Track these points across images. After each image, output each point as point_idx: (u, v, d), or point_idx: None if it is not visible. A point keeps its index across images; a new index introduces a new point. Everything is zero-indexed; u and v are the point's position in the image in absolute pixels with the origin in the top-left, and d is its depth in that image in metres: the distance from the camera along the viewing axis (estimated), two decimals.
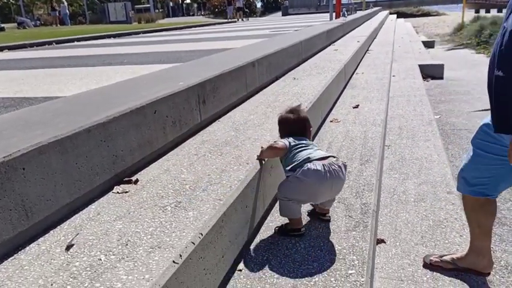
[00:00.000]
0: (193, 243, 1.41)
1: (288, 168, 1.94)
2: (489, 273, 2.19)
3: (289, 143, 2.00)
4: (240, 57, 3.83)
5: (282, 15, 33.96)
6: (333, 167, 1.87)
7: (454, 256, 2.24)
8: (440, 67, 8.79)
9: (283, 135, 2.13)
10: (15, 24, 28.57)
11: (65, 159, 1.58)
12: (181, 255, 1.33)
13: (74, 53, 8.18)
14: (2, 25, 24.72)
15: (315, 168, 1.84)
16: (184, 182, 1.88)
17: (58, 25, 28.52)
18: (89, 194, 1.72)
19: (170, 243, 1.40)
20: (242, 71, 3.33)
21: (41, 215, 1.49)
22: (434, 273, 2.16)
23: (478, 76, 8.29)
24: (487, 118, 1.98)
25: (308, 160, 1.89)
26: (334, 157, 1.95)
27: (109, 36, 14.18)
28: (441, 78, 8.55)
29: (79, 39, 12.91)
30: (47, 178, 1.51)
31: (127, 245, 1.39)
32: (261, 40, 6.84)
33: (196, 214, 1.58)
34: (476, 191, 2.06)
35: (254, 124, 2.73)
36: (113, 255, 1.34)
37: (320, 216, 2.13)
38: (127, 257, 1.32)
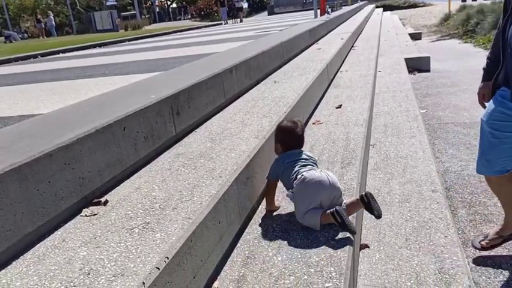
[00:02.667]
0: (157, 268, 1.36)
1: (291, 190, 2.10)
2: None
3: (277, 174, 2.20)
4: (218, 63, 3.78)
5: (268, 15, 33.96)
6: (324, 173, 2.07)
7: (496, 230, 2.55)
8: (427, 59, 8.79)
9: (281, 145, 2.26)
10: (3, 38, 28.37)
11: (24, 187, 1.53)
12: (144, 283, 1.28)
13: (57, 65, 8.10)
14: None
15: (308, 173, 2.04)
16: (155, 200, 1.83)
17: (45, 37, 28.36)
18: (54, 220, 1.66)
19: (134, 269, 1.35)
20: (219, 78, 3.28)
21: (1, 246, 1.43)
22: (418, 277, 2.12)
23: (464, 66, 8.29)
24: (498, 97, 2.23)
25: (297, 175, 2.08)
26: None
27: (94, 46, 14.09)
28: (428, 70, 8.55)
29: (64, 51, 12.81)
30: (6, 208, 1.45)
31: (89, 274, 1.34)
32: (243, 43, 6.80)
33: (164, 236, 1.54)
34: (500, 171, 2.32)
35: (231, 133, 2.68)
36: (74, 286, 1.29)
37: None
38: None
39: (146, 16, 44.60)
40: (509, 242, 2.58)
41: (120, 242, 1.51)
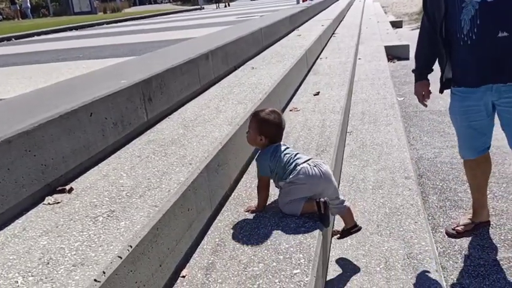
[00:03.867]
0: (120, 257, 1.33)
1: (283, 182, 2.06)
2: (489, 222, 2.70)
3: (271, 169, 2.08)
4: (194, 48, 3.71)
5: (251, 0, 33.57)
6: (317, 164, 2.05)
7: (468, 217, 2.66)
8: (406, 47, 8.81)
9: (266, 137, 2.12)
10: None
11: None
12: (104, 272, 1.25)
13: (31, 48, 7.87)
14: None
15: (308, 167, 2.01)
16: (122, 188, 1.79)
17: (20, 19, 27.52)
18: (15, 208, 1.61)
19: (95, 259, 1.31)
20: (194, 63, 3.22)
21: None
22: (387, 263, 2.13)
23: None
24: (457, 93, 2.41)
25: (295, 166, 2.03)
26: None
27: (70, 29, 13.73)
28: (407, 58, 8.58)
29: (39, 33, 12.47)
30: None
31: (48, 263, 1.31)
32: (223, 28, 6.71)
33: (128, 224, 1.50)
34: (483, 150, 2.47)
35: (204, 120, 2.64)
36: (32, 276, 1.25)
37: (351, 230, 2.17)
38: (46, 278, 1.24)
39: None
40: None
41: (83, 231, 1.47)
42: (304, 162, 2.05)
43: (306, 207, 2.01)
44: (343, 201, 2.11)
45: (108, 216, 1.57)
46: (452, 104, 2.49)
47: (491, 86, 2.22)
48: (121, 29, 11.49)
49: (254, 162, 2.68)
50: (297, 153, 2.12)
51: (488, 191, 2.94)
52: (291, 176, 2.02)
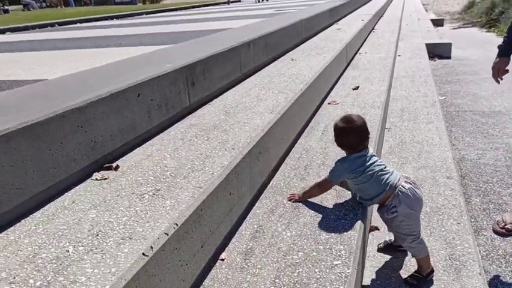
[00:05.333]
0: (166, 234, 1.34)
1: (369, 198, 1.93)
2: None
3: (344, 176, 1.94)
4: (235, 37, 3.72)
5: None
6: (412, 184, 1.89)
7: None
8: (448, 46, 8.57)
9: (340, 145, 2.02)
10: (21, 6, 28.37)
11: (36, 145, 1.52)
12: (152, 247, 1.27)
13: (74, 35, 8.08)
14: (7, 7, 24.59)
15: (406, 193, 1.85)
16: (166, 168, 1.81)
17: (63, 6, 28.31)
18: (65, 182, 1.66)
19: (142, 234, 1.34)
20: (236, 51, 3.23)
21: (10, 204, 1.43)
22: None
23: (486, 56, 8.07)
24: None
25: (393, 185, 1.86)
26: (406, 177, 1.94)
27: (111, 18, 14.01)
28: (449, 57, 8.35)
29: (81, 21, 12.78)
30: (16, 166, 1.45)
31: (97, 235, 1.34)
32: (261, 20, 6.69)
33: (174, 203, 1.52)
34: None
35: (245, 107, 2.64)
36: (82, 246, 1.29)
37: (398, 247, 2.12)
38: (96, 249, 1.27)
39: None
40: None
41: (130, 207, 1.50)
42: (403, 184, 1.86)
43: None
44: None
45: (154, 194, 1.59)
46: None
47: None
48: (160, 19, 11.64)
49: (292, 154, 2.67)
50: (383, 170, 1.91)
51: None
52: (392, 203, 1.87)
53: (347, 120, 1.97)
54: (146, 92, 2.12)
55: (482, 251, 2.44)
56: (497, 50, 2.62)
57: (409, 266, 2.07)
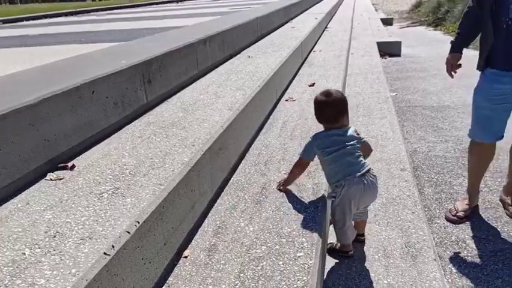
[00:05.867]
0: (128, 232, 1.31)
1: (331, 184, 2.02)
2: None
3: (315, 152, 2.01)
4: (192, 34, 3.68)
5: None
6: (370, 178, 1.96)
7: (465, 203, 2.77)
8: (398, 44, 8.87)
9: (319, 119, 2.07)
10: None
11: None
12: (113, 246, 1.24)
13: (25, 32, 7.72)
14: None
15: (355, 186, 1.92)
16: (125, 166, 1.77)
17: (7, 4, 26.96)
18: (18, 183, 1.58)
19: (103, 233, 1.30)
20: (192, 48, 3.20)
21: None
22: (386, 251, 2.15)
23: (434, 53, 8.43)
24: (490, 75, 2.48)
25: (346, 177, 1.92)
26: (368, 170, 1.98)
27: (59, 15, 13.49)
28: (399, 55, 8.65)
29: (27, 18, 12.21)
30: None
31: (55, 237, 1.28)
32: (216, 18, 6.66)
33: (134, 201, 1.49)
34: (496, 136, 2.58)
35: (204, 104, 2.63)
36: (39, 248, 1.23)
37: (357, 236, 2.18)
38: (54, 250, 1.22)
39: None
40: (474, 217, 2.71)
41: (88, 206, 1.45)
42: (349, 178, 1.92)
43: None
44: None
45: (113, 193, 1.55)
46: (480, 85, 2.57)
47: None
48: (113, 16, 11.34)
49: (252, 150, 2.69)
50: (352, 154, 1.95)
51: (483, 185, 2.99)
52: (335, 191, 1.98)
53: (326, 93, 2.02)
54: (101, 89, 2.06)
55: (436, 238, 2.55)
56: (445, 48, 2.73)
57: (368, 255, 2.13)
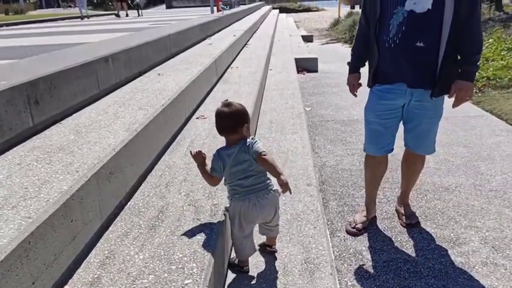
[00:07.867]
0: None
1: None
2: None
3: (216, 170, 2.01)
4: (93, 51, 3.52)
5: (166, 8, 33.08)
6: (260, 196, 1.98)
7: (363, 215, 2.86)
8: (315, 60, 9.21)
9: (218, 130, 2.08)
10: None
11: None
12: None
13: None
14: None
15: (240, 203, 1.96)
16: None
17: None
18: None
19: None
20: (92, 67, 3.05)
21: None
22: (285, 268, 2.14)
23: (348, 69, 8.85)
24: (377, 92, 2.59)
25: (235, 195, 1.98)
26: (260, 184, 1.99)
27: None
28: (316, 71, 8.96)
29: None
30: None
31: None
32: (128, 34, 6.49)
33: None
34: (386, 150, 2.68)
35: (100, 126, 2.49)
36: None
37: (267, 247, 2.23)
38: None
39: (32, 1, 40.91)
40: (372, 228, 2.81)
41: None
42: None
43: None
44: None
45: None
46: (369, 101, 2.66)
47: (406, 89, 2.44)
48: (20, 32, 10.68)
49: (154, 171, 2.59)
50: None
51: (382, 196, 3.12)
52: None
53: (226, 104, 2.02)
54: None
55: (336, 252, 2.60)
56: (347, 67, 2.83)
57: (269, 274, 2.11)
